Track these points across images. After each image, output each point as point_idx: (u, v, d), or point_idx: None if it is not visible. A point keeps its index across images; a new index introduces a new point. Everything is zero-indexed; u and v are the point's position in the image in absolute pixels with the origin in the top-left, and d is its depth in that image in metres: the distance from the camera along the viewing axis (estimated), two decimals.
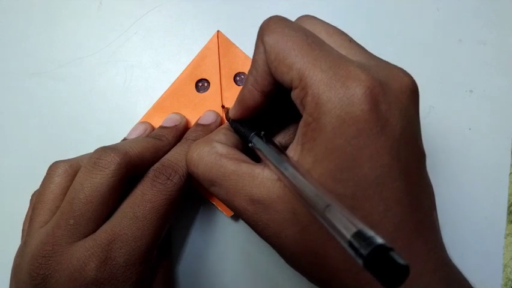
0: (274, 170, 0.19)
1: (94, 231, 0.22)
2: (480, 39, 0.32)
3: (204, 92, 0.30)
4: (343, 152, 0.17)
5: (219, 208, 0.29)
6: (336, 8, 0.33)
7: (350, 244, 0.12)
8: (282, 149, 0.20)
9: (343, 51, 0.20)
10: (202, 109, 0.29)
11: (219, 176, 0.20)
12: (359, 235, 0.12)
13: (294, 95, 0.19)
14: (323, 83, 0.18)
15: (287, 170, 0.18)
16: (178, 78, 0.30)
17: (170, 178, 0.23)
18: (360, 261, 0.12)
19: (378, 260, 0.11)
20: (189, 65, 0.30)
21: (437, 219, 0.20)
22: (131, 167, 0.23)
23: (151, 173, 0.24)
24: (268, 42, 0.20)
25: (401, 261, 0.11)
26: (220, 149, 0.21)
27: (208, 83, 0.30)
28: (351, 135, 0.17)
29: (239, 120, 0.23)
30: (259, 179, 0.19)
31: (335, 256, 0.18)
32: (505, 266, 0.30)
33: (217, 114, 0.29)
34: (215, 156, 0.21)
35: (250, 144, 0.22)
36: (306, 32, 0.20)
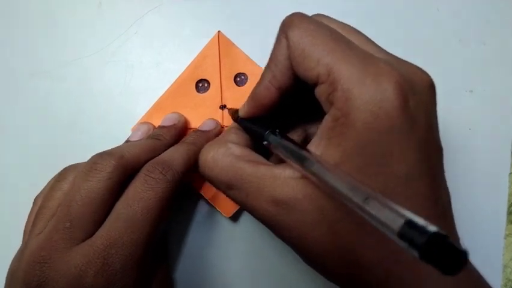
0: (298, 168, 0.18)
1: (91, 234, 0.22)
2: (480, 39, 0.32)
3: (204, 92, 0.30)
4: (374, 147, 0.17)
5: (218, 209, 0.29)
6: (336, 9, 0.33)
7: (401, 235, 0.12)
8: (302, 146, 0.19)
9: (366, 49, 0.20)
10: (202, 109, 0.29)
11: (237, 179, 0.20)
12: (410, 225, 0.12)
13: (320, 90, 0.19)
14: (353, 78, 0.18)
15: (313, 166, 0.17)
16: (178, 78, 0.30)
17: (163, 173, 0.23)
18: (415, 253, 0.11)
19: (436, 248, 0.11)
20: (189, 65, 0.30)
21: (453, 215, 0.20)
22: (127, 169, 0.23)
23: (144, 168, 0.23)
24: (292, 37, 0.19)
25: (460, 247, 0.11)
26: (236, 150, 0.21)
27: (209, 83, 0.30)
28: (382, 131, 0.17)
29: (250, 119, 0.23)
30: (282, 179, 0.19)
31: (366, 250, 0.18)
32: (505, 266, 0.30)
33: (217, 122, 0.29)
34: (231, 159, 0.21)
35: (265, 143, 0.21)
36: (329, 28, 0.20)
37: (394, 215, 0.12)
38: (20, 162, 0.31)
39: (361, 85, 0.17)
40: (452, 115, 0.31)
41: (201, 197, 0.29)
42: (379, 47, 0.21)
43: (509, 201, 0.30)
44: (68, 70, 0.32)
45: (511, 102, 0.32)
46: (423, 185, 0.18)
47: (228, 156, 0.21)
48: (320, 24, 0.20)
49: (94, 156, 0.23)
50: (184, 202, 0.30)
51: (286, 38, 0.20)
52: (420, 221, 0.12)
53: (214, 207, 0.29)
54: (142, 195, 0.22)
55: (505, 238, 0.30)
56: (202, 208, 0.30)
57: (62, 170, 0.25)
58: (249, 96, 0.22)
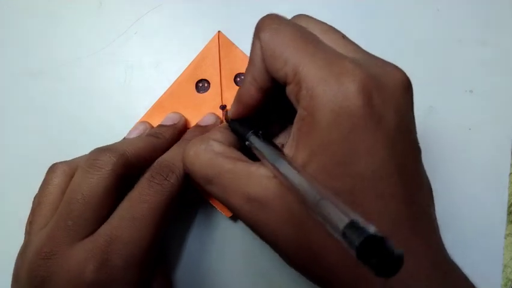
0: (269, 167, 0.19)
1: (93, 231, 0.22)
2: (480, 39, 0.32)
3: (204, 92, 0.30)
4: (339, 147, 0.17)
5: (218, 209, 0.29)
6: (336, 9, 0.33)
7: (344, 235, 0.12)
8: (278, 147, 0.20)
9: (337, 48, 0.20)
10: (202, 109, 0.29)
11: (215, 174, 0.20)
12: (352, 225, 0.12)
13: (289, 90, 0.19)
14: (317, 78, 0.18)
15: (281, 166, 0.18)
16: (178, 78, 0.30)
17: (167, 178, 0.23)
18: (353, 252, 0.12)
19: (372, 249, 0.11)
20: (189, 65, 0.30)
21: (435, 217, 0.20)
22: (128, 166, 0.23)
23: (148, 173, 0.24)
24: (263, 38, 0.20)
25: (395, 250, 0.11)
26: (217, 147, 0.21)
27: (209, 83, 0.30)
28: (346, 130, 0.17)
29: (238, 120, 0.23)
30: (256, 177, 0.19)
31: (332, 252, 0.18)
32: (505, 266, 0.30)
33: (217, 117, 0.29)
34: (211, 154, 0.21)
35: (246, 143, 0.22)
36: (301, 28, 0.20)
37: (342, 215, 0.13)
38: (20, 162, 0.31)
39: (324, 84, 0.18)
40: (452, 115, 0.31)
41: (201, 197, 0.29)
42: (354, 46, 0.20)
43: (509, 201, 0.30)
44: (68, 70, 0.32)
45: (511, 102, 0.32)
46: (392, 184, 0.17)
47: (208, 152, 0.21)
48: (291, 24, 0.20)
49: (95, 151, 0.23)
50: (183, 202, 0.30)
51: (259, 39, 0.20)
52: (362, 222, 0.12)
53: (214, 207, 0.29)
54: (146, 198, 0.23)
55: (505, 238, 0.30)
56: (202, 208, 0.30)
57: (50, 166, 0.25)
58: (235, 98, 0.23)
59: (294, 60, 0.18)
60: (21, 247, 0.23)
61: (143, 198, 0.23)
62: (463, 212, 0.30)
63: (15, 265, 0.23)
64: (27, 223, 0.25)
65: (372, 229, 0.12)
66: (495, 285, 0.29)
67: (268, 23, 0.20)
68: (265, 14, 0.21)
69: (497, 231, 0.30)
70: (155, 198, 0.23)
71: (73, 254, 0.21)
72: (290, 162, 0.18)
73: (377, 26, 0.32)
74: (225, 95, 0.30)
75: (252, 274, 0.29)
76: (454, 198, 0.30)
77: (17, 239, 0.24)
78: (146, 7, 0.32)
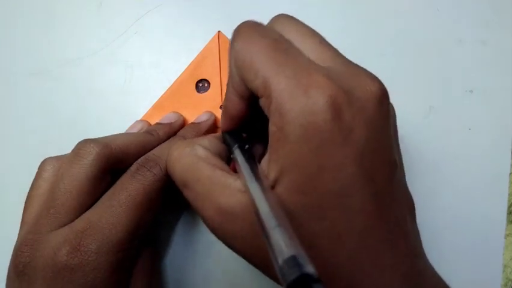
0: (243, 183, 0.18)
1: (74, 219, 0.22)
2: (480, 39, 0.32)
3: (204, 92, 0.30)
4: (307, 163, 0.17)
5: None
6: (336, 9, 0.33)
7: (280, 269, 0.12)
8: (257, 165, 0.20)
9: (313, 55, 0.19)
10: (202, 109, 0.29)
11: (193, 178, 0.20)
12: (291, 261, 0.12)
13: (261, 103, 0.19)
14: (285, 92, 0.17)
15: (251, 184, 0.17)
16: (178, 78, 0.30)
17: (150, 169, 0.23)
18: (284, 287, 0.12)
19: None
20: (189, 65, 0.30)
21: (413, 228, 0.19)
22: (112, 158, 0.23)
23: (134, 165, 0.24)
24: (236, 48, 0.19)
25: None
26: (201, 152, 0.21)
27: (209, 83, 0.30)
28: (314, 146, 0.17)
29: (229, 132, 0.23)
30: (230, 189, 0.19)
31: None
32: (505, 266, 0.30)
33: (211, 114, 0.29)
34: (193, 158, 0.21)
35: (232, 156, 0.22)
36: (274, 36, 0.19)
37: (287, 248, 0.13)
38: (20, 162, 0.31)
39: (293, 98, 0.17)
40: (452, 115, 0.31)
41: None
42: (331, 52, 0.20)
43: (509, 201, 0.30)
44: (68, 70, 0.32)
45: (511, 102, 0.32)
46: (360, 200, 0.17)
47: (191, 156, 0.21)
48: (265, 32, 0.19)
49: (80, 142, 0.24)
50: (181, 201, 0.30)
51: (233, 48, 0.20)
52: (302, 259, 0.12)
53: None
54: (126, 186, 0.23)
55: (505, 238, 0.30)
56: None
57: (41, 162, 0.25)
58: (222, 110, 0.23)
59: (263, 73, 0.18)
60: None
61: (124, 187, 0.23)
62: (463, 212, 0.30)
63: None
64: None
65: (309, 268, 0.12)
66: (495, 285, 0.29)
67: (242, 31, 0.20)
68: (269, 17, 0.21)
69: (497, 231, 0.30)
70: (135, 186, 0.23)
71: (51, 239, 0.21)
72: (261, 182, 0.17)
73: (377, 26, 0.32)
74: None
75: (253, 274, 0.29)
76: (453, 198, 0.30)
77: (15, 238, 0.24)
78: (146, 7, 0.32)
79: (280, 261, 0.12)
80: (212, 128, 0.29)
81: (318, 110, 0.17)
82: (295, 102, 0.17)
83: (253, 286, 0.29)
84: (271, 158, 0.18)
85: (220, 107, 0.29)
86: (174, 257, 0.29)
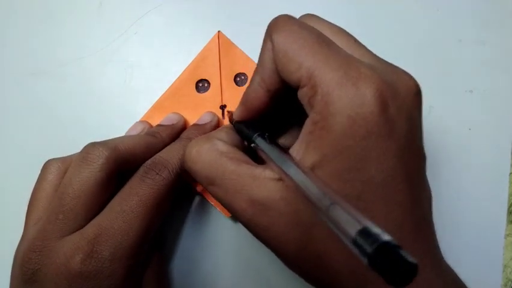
0: (276, 170, 0.19)
1: (83, 225, 0.22)
2: (480, 39, 0.32)
3: (204, 92, 0.30)
4: (351, 153, 0.17)
5: (218, 209, 0.29)
6: (336, 9, 0.33)
7: (355, 242, 0.12)
8: (285, 150, 0.20)
9: (349, 52, 0.19)
10: (202, 109, 0.29)
11: (218, 174, 0.20)
12: (365, 232, 0.12)
13: (302, 93, 0.19)
14: (333, 82, 0.17)
15: (290, 169, 0.17)
16: (178, 78, 0.30)
17: (159, 173, 0.23)
18: (364, 260, 0.11)
19: (385, 258, 0.11)
20: (189, 65, 0.30)
21: (433, 222, 0.20)
22: (120, 161, 0.23)
23: (142, 168, 0.24)
24: (276, 40, 0.19)
25: (410, 258, 0.11)
26: (221, 146, 0.21)
27: (209, 83, 0.30)
28: (360, 136, 0.17)
29: (243, 122, 0.23)
30: (260, 180, 0.19)
31: (338, 259, 0.18)
32: (505, 266, 0.30)
33: (214, 115, 0.29)
34: (215, 154, 0.20)
35: (252, 145, 0.22)
36: (314, 30, 0.20)
37: (354, 222, 0.12)
38: (20, 162, 0.31)
39: (340, 89, 0.17)
40: (452, 115, 0.31)
41: (201, 197, 0.29)
42: (366, 50, 0.20)
43: (509, 201, 0.30)
44: (68, 70, 0.32)
45: (511, 102, 0.32)
46: (400, 192, 0.18)
47: (212, 152, 0.21)
48: (304, 26, 0.20)
49: (87, 146, 0.23)
50: (184, 202, 0.30)
51: (271, 40, 0.20)
52: (375, 229, 0.12)
53: (214, 207, 0.29)
54: (136, 191, 0.23)
55: (505, 238, 0.30)
56: (201, 208, 0.30)
57: (45, 163, 0.25)
58: (241, 100, 0.23)
59: (308, 64, 0.18)
60: (18, 243, 0.24)
61: (134, 191, 0.22)
62: (463, 211, 0.30)
63: (13, 258, 0.23)
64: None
65: (386, 236, 0.11)
66: (495, 285, 0.29)
67: (282, 25, 0.20)
68: (269, 16, 0.21)
69: (497, 231, 0.30)
70: (145, 191, 0.22)
71: (62, 246, 0.21)
72: (298, 165, 0.17)
73: (377, 26, 0.32)
74: (225, 95, 0.30)
75: (252, 273, 0.29)
76: (454, 198, 0.30)
77: (17, 238, 0.24)
78: (146, 7, 0.32)
79: (352, 234, 0.12)
80: (215, 129, 0.29)
81: (367, 102, 0.17)
82: (343, 93, 0.17)
83: None
84: (309, 146, 0.18)
85: (220, 107, 0.29)
86: (179, 260, 0.29)
